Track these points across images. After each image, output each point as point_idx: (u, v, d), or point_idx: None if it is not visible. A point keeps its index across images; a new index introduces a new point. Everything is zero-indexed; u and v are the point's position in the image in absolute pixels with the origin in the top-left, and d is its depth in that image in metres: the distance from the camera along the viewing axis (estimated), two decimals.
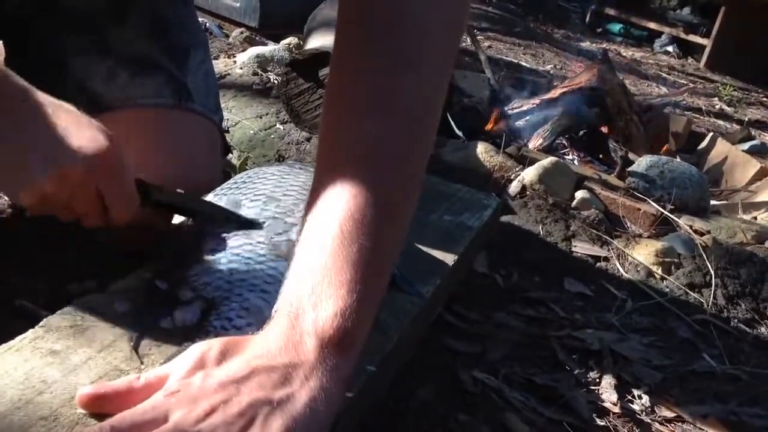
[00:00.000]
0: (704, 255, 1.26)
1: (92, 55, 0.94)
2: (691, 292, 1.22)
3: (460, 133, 1.97)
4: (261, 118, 1.48)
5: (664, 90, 3.96)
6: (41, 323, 0.61)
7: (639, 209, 1.39)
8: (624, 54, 4.98)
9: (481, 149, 1.47)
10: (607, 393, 0.89)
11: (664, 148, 2.01)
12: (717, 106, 3.78)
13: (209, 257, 0.70)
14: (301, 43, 2.07)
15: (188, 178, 0.87)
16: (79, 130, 0.65)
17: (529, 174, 1.39)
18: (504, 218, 1.30)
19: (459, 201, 1.11)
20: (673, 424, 0.88)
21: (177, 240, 0.75)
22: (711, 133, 2.21)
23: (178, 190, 0.76)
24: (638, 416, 0.87)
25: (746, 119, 3.46)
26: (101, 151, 0.65)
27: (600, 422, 0.84)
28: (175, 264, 0.70)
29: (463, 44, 3.07)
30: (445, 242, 0.95)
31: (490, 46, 3.98)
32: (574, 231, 1.31)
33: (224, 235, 0.72)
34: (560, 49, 4.34)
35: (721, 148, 2.12)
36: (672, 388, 0.96)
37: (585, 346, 0.99)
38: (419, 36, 0.61)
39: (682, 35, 5.31)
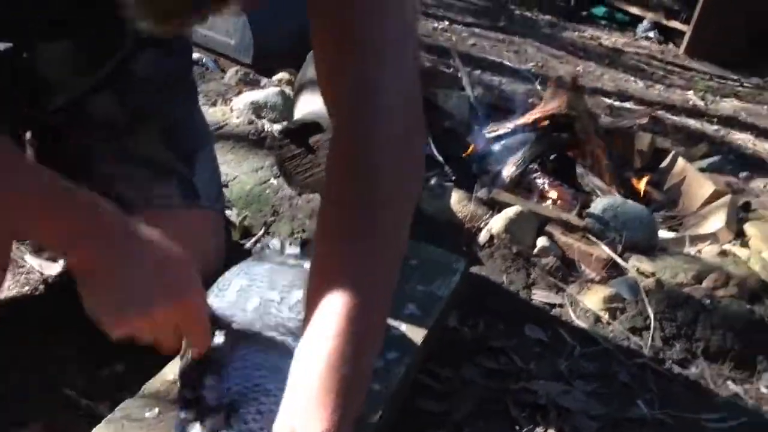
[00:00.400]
0: (645, 299, 1.45)
1: (115, 161, 1.10)
2: (632, 336, 1.41)
3: (440, 158, 2.15)
4: (257, 172, 1.65)
5: (641, 85, 4.12)
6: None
7: (592, 254, 1.57)
8: (605, 42, 5.10)
9: (455, 199, 1.64)
10: None
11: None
12: (690, 102, 3.95)
13: (231, 364, 0.87)
14: (293, 80, 2.22)
15: (199, 256, 1.04)
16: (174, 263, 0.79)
17: (496, 224, 1.57)
18: (473, 269, 1.48)
19: (431, 266, 1.29)
20: None
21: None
22: (672, 152, 2.38)
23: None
24: None
25: (715, 117, 3.64)
26: (194, 288, 0.80)
27: None
28: (198, 369, 0.87)
29: (449, 67, 3.20)
30: (418, 315, 1.13)
31: (474, 44, 4.11)
32: (534, 279, 1.50)
33: (244, 343, 0.90)
34: (543, 43, 4.47)
35: (681, 166, 2.29)
36: None
37: (535, 400, 1.18)
38: (392, 219, 0.78)
39: (663, 21, 5.43)
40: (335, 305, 0.73)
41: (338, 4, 0.79)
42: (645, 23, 5.59)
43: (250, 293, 0.98)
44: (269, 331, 0.91)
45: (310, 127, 1.50)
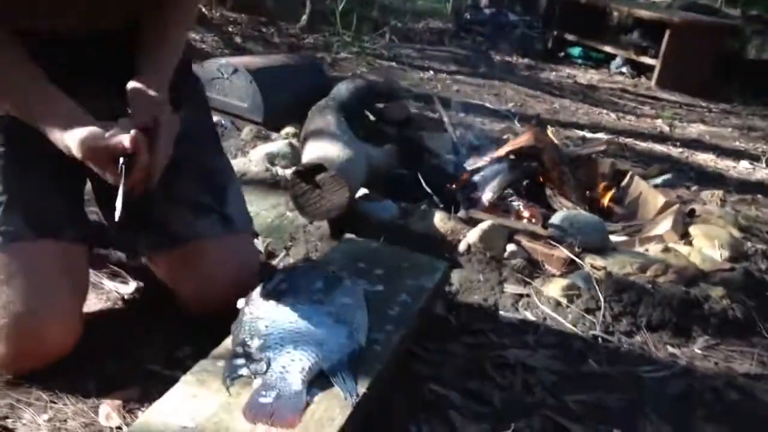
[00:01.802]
0: (597, 287, 1.79)
1: (165, 203, 1.43)
2: (586, 315, 1.75)
3: (429, 190, 2.51)
4: (275, 207, 2.01)
5: (612, 117, 4.51)
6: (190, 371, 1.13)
7: (553, 255, 1.92)
8: (581, 80, 5.52)
9: (438, 218, 2.00)
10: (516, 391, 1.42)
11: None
12: (658, 129, 4.33)
13: (271, 321, 1.21)
14: (298, 132, 2.61)
15: (240, 275, 1.39)
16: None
17: (473, 235, 1.92)
18: (455, 271, 1.83)
19: (419, 267, 1.63)
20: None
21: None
22: (630, 172, 2.74)
23: None
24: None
25: (678, 141, 4.00)
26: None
27: (510, 410, 1.37)
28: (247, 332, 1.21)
29: (435, 111, 3.56)
30: (409, 302, 1.48)
31: (458, 90, 4.52)
32: (505, 276, 1.84)
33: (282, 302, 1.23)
34: (521, 85, 4.88)
35: (638, 185, 2.65)
36: (564, 386, 1.48)
37: (506, 362, 1.52)
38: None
39: (634, 57, 5.87)
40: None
41: None
42: (618, 60, 6.04)
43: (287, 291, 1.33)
44: (302, 298, 1.26)
45: (316, 168, 1.87)
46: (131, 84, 1.18)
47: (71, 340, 1.25)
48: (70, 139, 1.10)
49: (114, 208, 1.08)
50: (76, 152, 1.11)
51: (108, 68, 1.26)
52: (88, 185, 1.44)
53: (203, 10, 4.34)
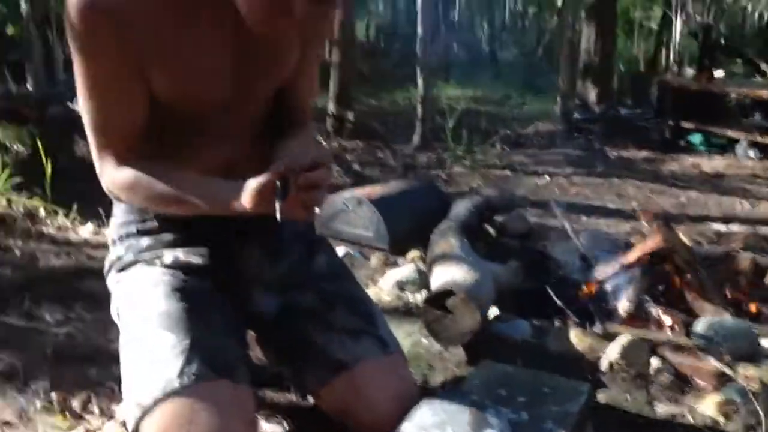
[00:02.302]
0: (754, 400, 1.68)
1: (321, 334, 1.48)
2: None
3: (560, 304, 2.48)
4: (410, 335, 2.05)
5: (747, 205, 4.30)
6: None
7: (702, 368, 1.83)
8: (706, 169, 5.33)
9: (574, 335, 1.96)
10: None
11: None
12: None
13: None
14: (423, 255, 2.67)
15: (403, 393, 1.41)
16: None
17: (613, 352, 1.87)
18: (599, 391, 1.78)
19: (561, 391, 1.60)
20: None
21: None
22: None
23: None
24: None
25: None
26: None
27: None
28: None
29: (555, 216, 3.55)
30: (558, 428, 1.44)
31: (576, 193, 4.49)
32: (654, 395, 1.77)
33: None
34: (643, 180, 4.78)
35: None
36: None
37: None
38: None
39: (759, 139, 5.64)
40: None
41: None
42: (743, 143, 5.80)
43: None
44: None
45: (445, 294, 1.91)
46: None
47: None
48: (236, 197, 1.19)
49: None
50: (246, 202, 1.17)
51: (249, 160, 1.37)
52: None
53: (323, 141, 4.63)
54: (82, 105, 1.20)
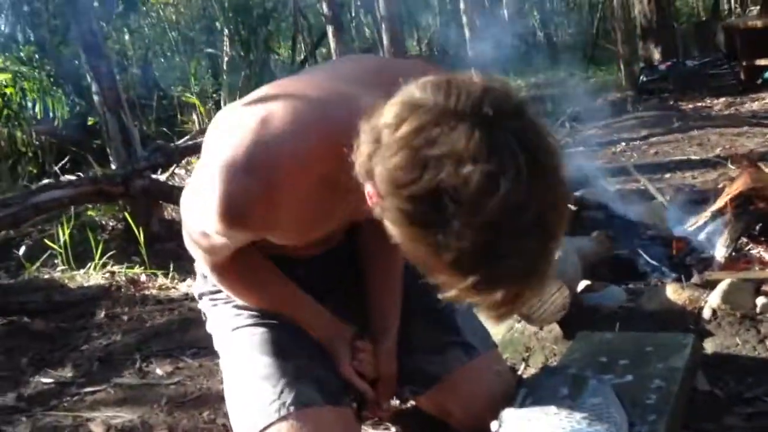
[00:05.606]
0: None
1: (409, 354, 1.51)
2: None
3: (654, 262, 2.41)
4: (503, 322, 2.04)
5: None
6: None
7: None
8: None
9: (671, 290, 1.90)
10: None
11: None
12: None
13: None
14: None
15: (493, 384, 1.42)
16: None
17: (714, 299, 1.80)
18: (707, 341, 1.71)
19: (664, 348, 1.56)
20: None
21: None
22: None
23: None
24: None
25: None
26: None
27: None
28: None
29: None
30: (664, 386, 1.41)
31: (656, 152, 4.35)
32: (765, 334, 1.69)
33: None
34: (723, 127, 4.58)
35: None
36: None
37: None
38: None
39: None
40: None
41: None
42: None
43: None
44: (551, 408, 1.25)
45: None
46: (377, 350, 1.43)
47: None
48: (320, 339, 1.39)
49: None
50: (344, 370, 1.38)
51: (332, 278, 1.48)
52: None
53: None
54: (191, 230, 1.24)
